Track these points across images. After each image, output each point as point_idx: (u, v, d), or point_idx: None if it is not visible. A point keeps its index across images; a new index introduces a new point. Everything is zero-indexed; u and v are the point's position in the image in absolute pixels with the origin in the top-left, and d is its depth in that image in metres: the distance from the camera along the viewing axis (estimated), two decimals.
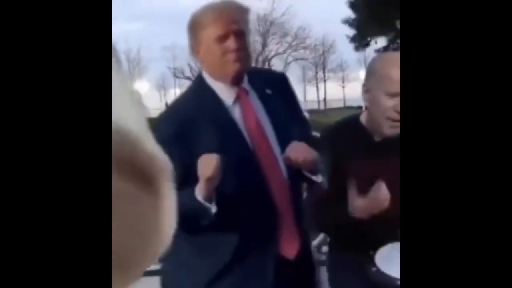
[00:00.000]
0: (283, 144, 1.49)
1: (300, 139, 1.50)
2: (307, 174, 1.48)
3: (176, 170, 0.34)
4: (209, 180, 1.32)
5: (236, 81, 1.51)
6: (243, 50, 1.47)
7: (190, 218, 1.31)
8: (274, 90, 1.58)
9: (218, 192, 1.40)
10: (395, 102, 1.57)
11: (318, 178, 1.49)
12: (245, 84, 1.54)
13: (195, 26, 1.51)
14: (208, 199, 1.35)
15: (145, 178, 0.33)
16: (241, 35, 1.47)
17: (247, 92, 1.53)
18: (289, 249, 1.50)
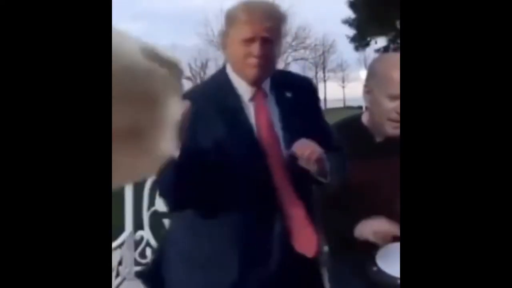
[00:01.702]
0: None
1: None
2: (315, 176, 1.47)
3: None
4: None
5: (254, 84, 1.53)
6: (265, 58, 1.48)
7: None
8: (295, 93, 1.58)
9: (222, 181, 1.42)
10: (397, 104, 1.57)
11: (326, 179, 1.49)
12: (266, 85, 1.56)
13: (228, 21, 1.53)
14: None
15: (166, 63, 0.42)
16: (267, 42, 1.48)
17: (265, 95, 1.54)
18: (306, 247, 1.49)
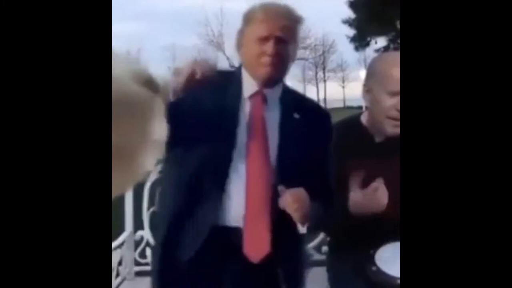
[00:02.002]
0: (281, 162, 1.48)
1: (303, 175, 1.47)
2: (294, 220, 1.44)
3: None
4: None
5: (264, 85, 1.54)
6: (278, 57, 1.49)
7: None
8: (305, 118, 1.56)
9: (193, 172, 1.44)
10: (396, 101, 1.57)
11: (301, 230, 1.47)
12: (274, 95, 1.56)
13: (245, 20, 1.55)
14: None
15: (152, 87, 0.45)
16: (281, 42, 1.49)
17: (264, 98, 1.54)
18: (255, 253, 1.47)
